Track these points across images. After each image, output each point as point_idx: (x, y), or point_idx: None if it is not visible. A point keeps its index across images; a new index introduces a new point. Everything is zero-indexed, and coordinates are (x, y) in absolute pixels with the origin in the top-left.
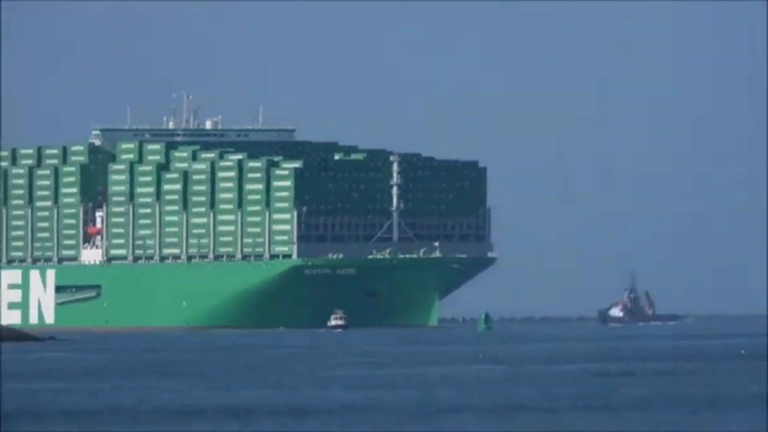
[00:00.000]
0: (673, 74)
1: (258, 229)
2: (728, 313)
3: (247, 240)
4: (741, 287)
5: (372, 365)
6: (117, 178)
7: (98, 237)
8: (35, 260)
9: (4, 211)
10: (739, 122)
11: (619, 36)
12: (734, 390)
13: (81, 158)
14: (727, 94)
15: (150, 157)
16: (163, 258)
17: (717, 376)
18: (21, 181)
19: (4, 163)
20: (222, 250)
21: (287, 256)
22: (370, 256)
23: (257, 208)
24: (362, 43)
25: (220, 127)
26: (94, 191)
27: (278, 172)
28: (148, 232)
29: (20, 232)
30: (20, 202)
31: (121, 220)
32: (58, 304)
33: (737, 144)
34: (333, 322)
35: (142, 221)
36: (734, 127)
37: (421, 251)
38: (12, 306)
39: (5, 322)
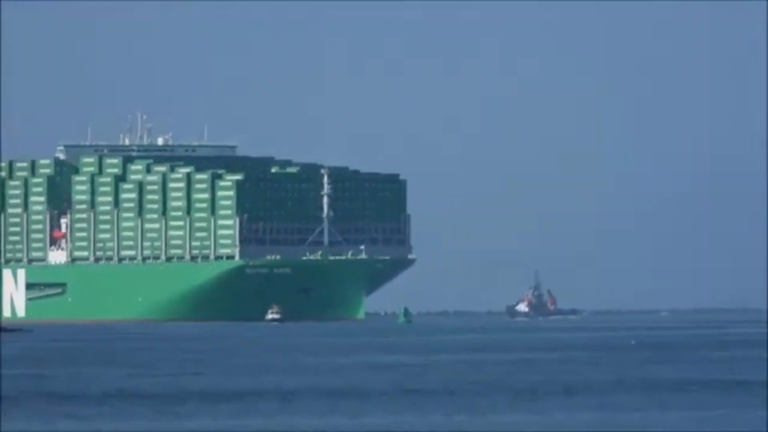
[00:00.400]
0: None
1: (204, 234)
2: (621, 308)
3: (195, 243)
4: (634, 285)
5: (304, 354)
6: (80, 189)
7: (63, 240)
8: (7, 261)
9: None
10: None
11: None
12: (624, 375)
13: (48, 171)
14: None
15: (109, 170)
16: (121, 259)
17: (608, 364)
18: None
19: None
20: (173, 251)
21: (230, 257)
22: (304, 257)
23: (204, 215)
24: (295, 67)
25: (170, 143)
26: (59, 200)
27: (222, 183)
28: (107, 236)
29: None
30: None
31: (84, 225)
32: (28, 300)
33: (632, 150)
34: (270, 316)
35: (102, 226)
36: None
37: (349, 253)
38: None
39: None
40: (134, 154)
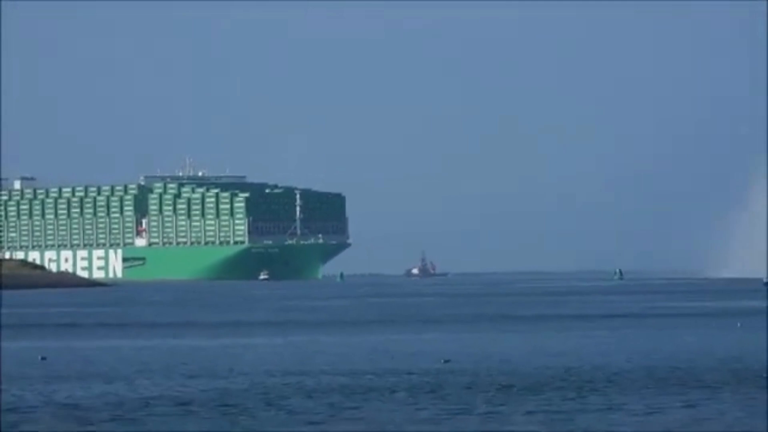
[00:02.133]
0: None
1: (227, 228)
2: (476, 270)
3: (221, 234)
4: (483, 253)
5: (282, 299)
6: (153, 202)
7: (144, 233)
8: (111, 245)
9: (94, 221)
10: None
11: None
12: (471, 311)
13: (134, 191)
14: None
15: (170, 191)
16: (178, 243)
17: (470, 304)
18: (103, 204)
19: (93, 194)
20: (208, 239)
21: (242, 242)
22: (286, 242)
23: (226, 217)
24: (281, 120)
25: (206, 175)
26: (141, 209)
27: (237, 199)
28: (170, 230)
29: (102, 230)
30: (102, 214)
31: (156, 224)
32: (124, 267)
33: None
34: (261, 277)
35: (166, 224)
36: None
37: (312, 239)
38: (99, 268)
39: (95, 276)
40: (185, 181)
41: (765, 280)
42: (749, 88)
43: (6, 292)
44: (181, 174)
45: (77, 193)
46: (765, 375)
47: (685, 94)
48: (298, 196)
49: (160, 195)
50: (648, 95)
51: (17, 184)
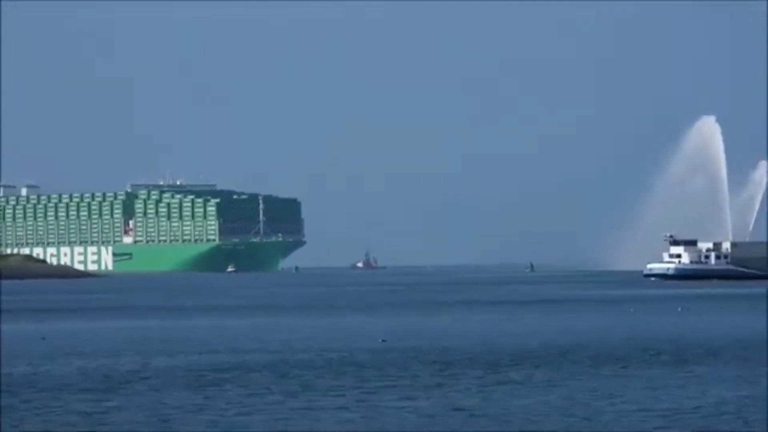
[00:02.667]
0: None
1: (201, 228)
2: (407, 264)
3: (196, 233)
4: (413, 249)
5: (245, 289)
6: (138, 206)
7: (131, 232)
8: (103, 242)
9: (89, 222)
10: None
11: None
12: (407, 299)
13: (123, 197)
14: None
15: (152, 197)
16: (160, 241)
17: (405, 293)
18: (96, 208)
19: (88, 199)
20: (185, 237)
21: (214, 240)
22: (251, 240)
23: (200, 219)
24: (249, 134)
25: (183, 183)
26: (129, 212)
27: (209, 203)
28: (152, 229)
29: (95, 229)
30: (96, 216)
31: (141, 225)
32: (114, 261)
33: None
34: (229, 269)
35: (150, 225)
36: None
37: (273, 238)
38: (93, 262)
39: (89, 269)
40: (165, 189)
41: (644, 273)
42: (749, 87)
43: (13, 282)
44: (162, 183)
45: (74, 199)
46: (652, 353)
47: (684, 93)
48: (261, 201)
49: (144, 200)
50: (647, 95)
51: (24, 191)
